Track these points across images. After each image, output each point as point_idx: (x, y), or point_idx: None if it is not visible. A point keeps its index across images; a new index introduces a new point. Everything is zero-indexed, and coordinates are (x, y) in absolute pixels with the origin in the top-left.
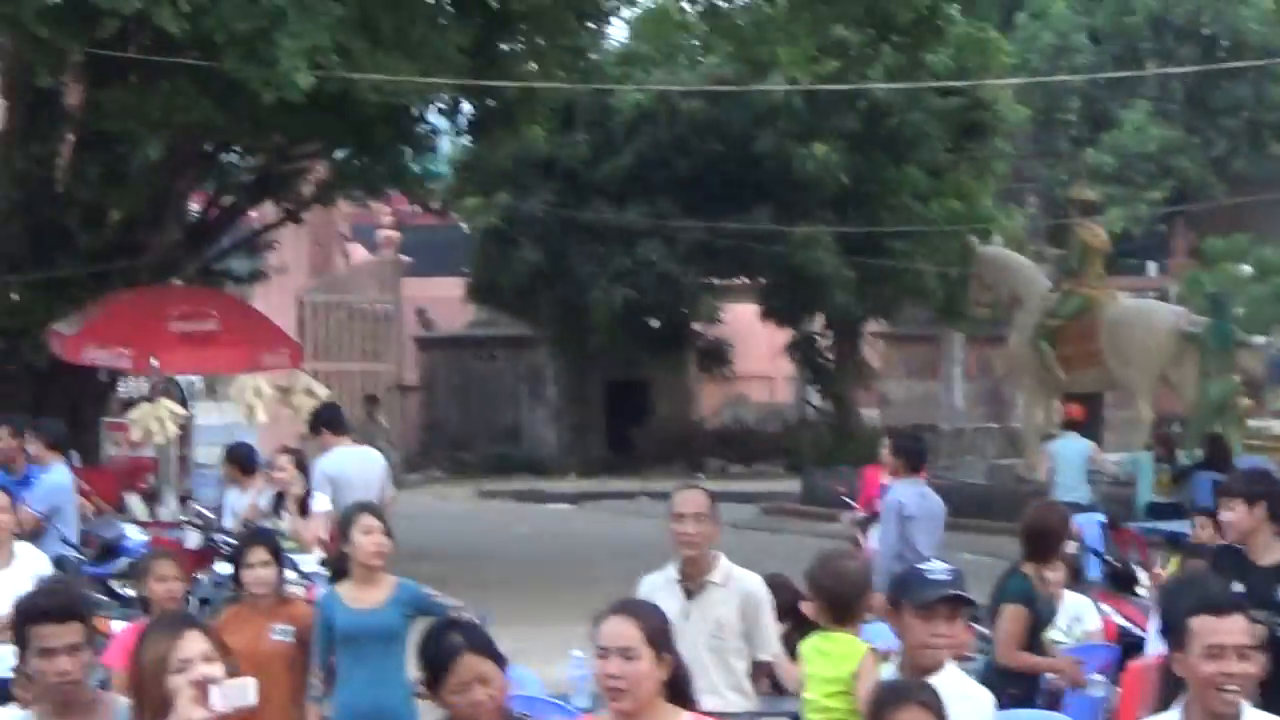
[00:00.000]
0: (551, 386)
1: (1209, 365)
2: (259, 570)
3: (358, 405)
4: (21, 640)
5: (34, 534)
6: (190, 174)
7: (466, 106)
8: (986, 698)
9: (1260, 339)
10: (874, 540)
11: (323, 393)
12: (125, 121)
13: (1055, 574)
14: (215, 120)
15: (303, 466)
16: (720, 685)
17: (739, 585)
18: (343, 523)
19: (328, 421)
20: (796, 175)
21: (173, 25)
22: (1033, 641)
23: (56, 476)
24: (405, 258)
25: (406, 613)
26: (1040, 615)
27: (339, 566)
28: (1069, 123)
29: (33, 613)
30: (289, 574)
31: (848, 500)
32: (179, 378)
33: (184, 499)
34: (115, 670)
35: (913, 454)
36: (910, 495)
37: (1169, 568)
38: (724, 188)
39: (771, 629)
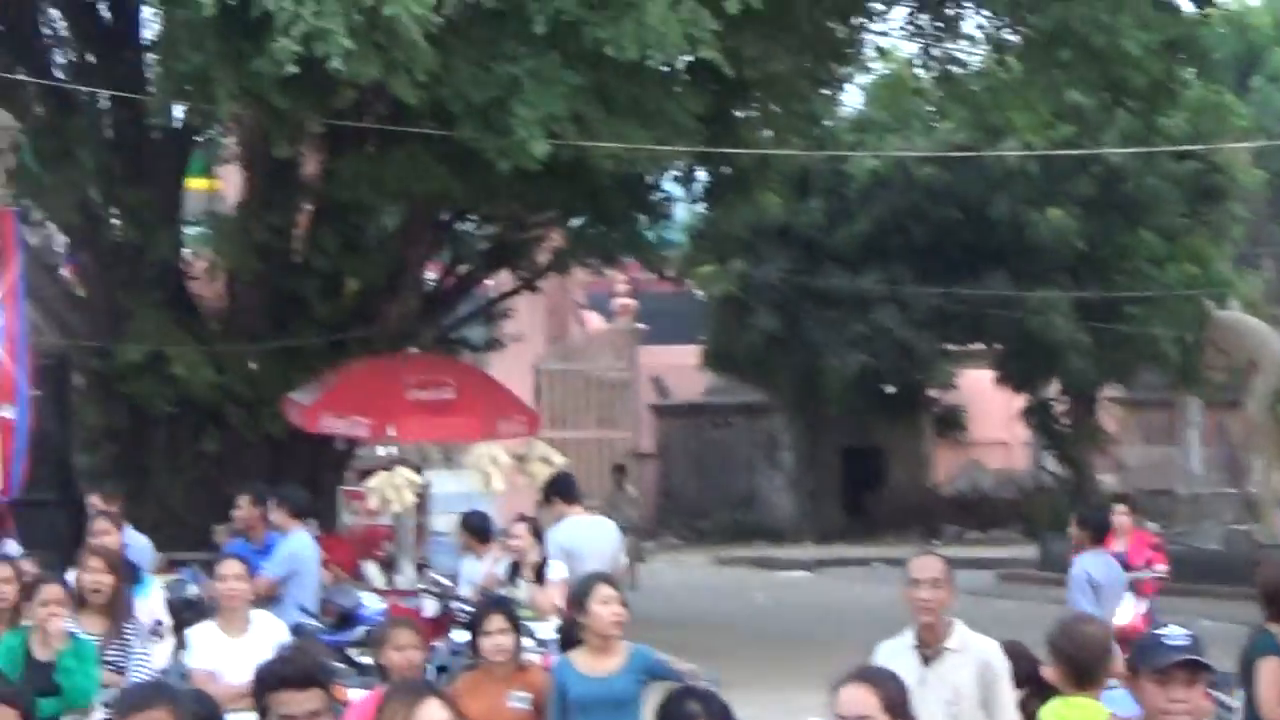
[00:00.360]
0: (787, 453)
1: None
2: (497, 638)
3: (592, 473)
4: (262, 707)
5: (270, 600)
6: (426, 243)
7: (701, 174)
8: None
9: None
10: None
11: (559, 461)
12: (362, 191)
13: None
14: (451, 189)
15: (538, 534)
16: None
17: (976, 652)
18: (579, 592)
19: (561, 490)
20: (1031, 240)
21: (409, 95)
22: None
23: (297, 543)
24: (641, 325)
25: (641, 679)
26: None
27: (569, 634)
28: None
29: (273, 680)
30: (526, 642)
31: None
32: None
33: (421, 567)
34: None
35: (1097, 526)
36: (1096, 565)
37: None
38: (959, 253)
39: (1008, 696)
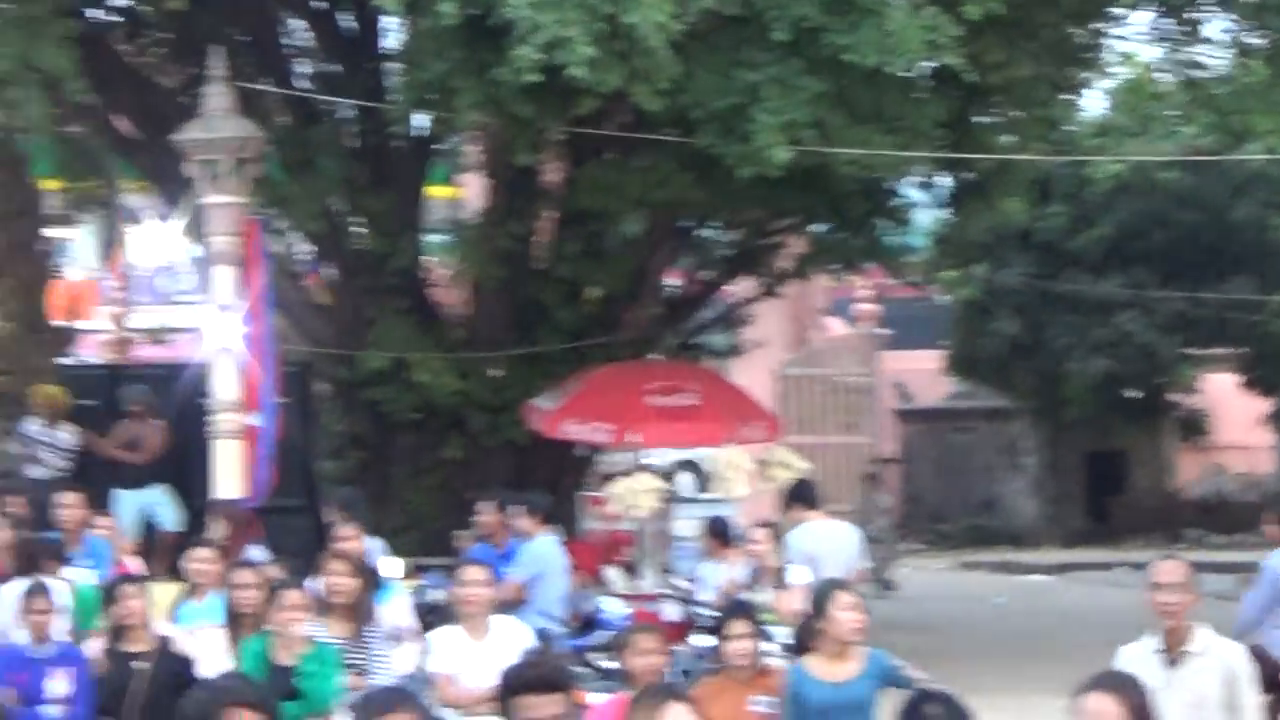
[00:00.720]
0: (1029, 457)
1: None
2: (739, 642)
3: (834, 479)
4: (506, 710)
5: (515, 604)
6: (668, 250)
7: (943, 179)
8: None
9: None
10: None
11: (800, 466)
12: (603, 199)
13: None
14: (692, 196)
15: (779, 539)
16: None
17: (1220, 656)
18: (819, 598)
19: (800, 496)
20: (1274, 244)
21: (651, 102)
22: None
23: (542, 547)
24: (883, 330)
25: (877, 684)
26: None
27: (802, 639)
28: None
29: (517, 683)
30: (767, 646)
31: None
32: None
33: (663, 572)
34: None
35: None
36: None
37: None
38: (1201, 257)
39: (1252, 700)
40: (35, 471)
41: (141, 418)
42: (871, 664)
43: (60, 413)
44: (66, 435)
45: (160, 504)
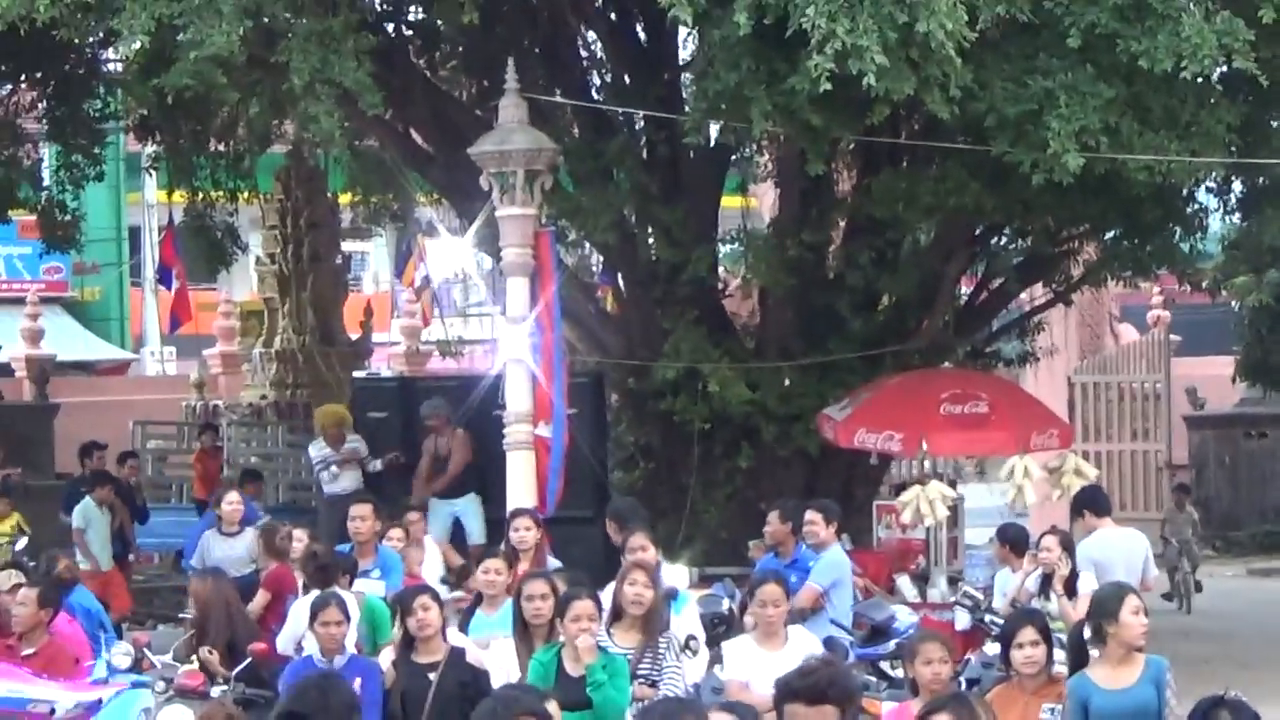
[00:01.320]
0: None
1: None
2: (1028, 650)
3: (1126, 486)
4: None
5: (808, 613)
6: (960, 257)
7: (1236, 184)
8: None
9: None
10: None
11: (1091, 474)
12: (896, 207)
13: None
14: (984, 203)
15: (1069, 547)
16: None
17: None
18: (1108, 601)
19: (1090, 503)
20: None
21: (943, 110)
22: None
23: (839, 554)
24: (1175, 336)
25: (1157, 690)
26: None
27: (1077, 647)
28: None
29: (786, 692)
30: (1057, 654)
31: None
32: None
33: (954, 580)
34: None
35: None
36: None
37: None
38: None
39: None
40: (331, 488)
41: (440, 430)
42: (1151, 668)
43: (345, 431)
44: (354, 446)
45: (468, 514)
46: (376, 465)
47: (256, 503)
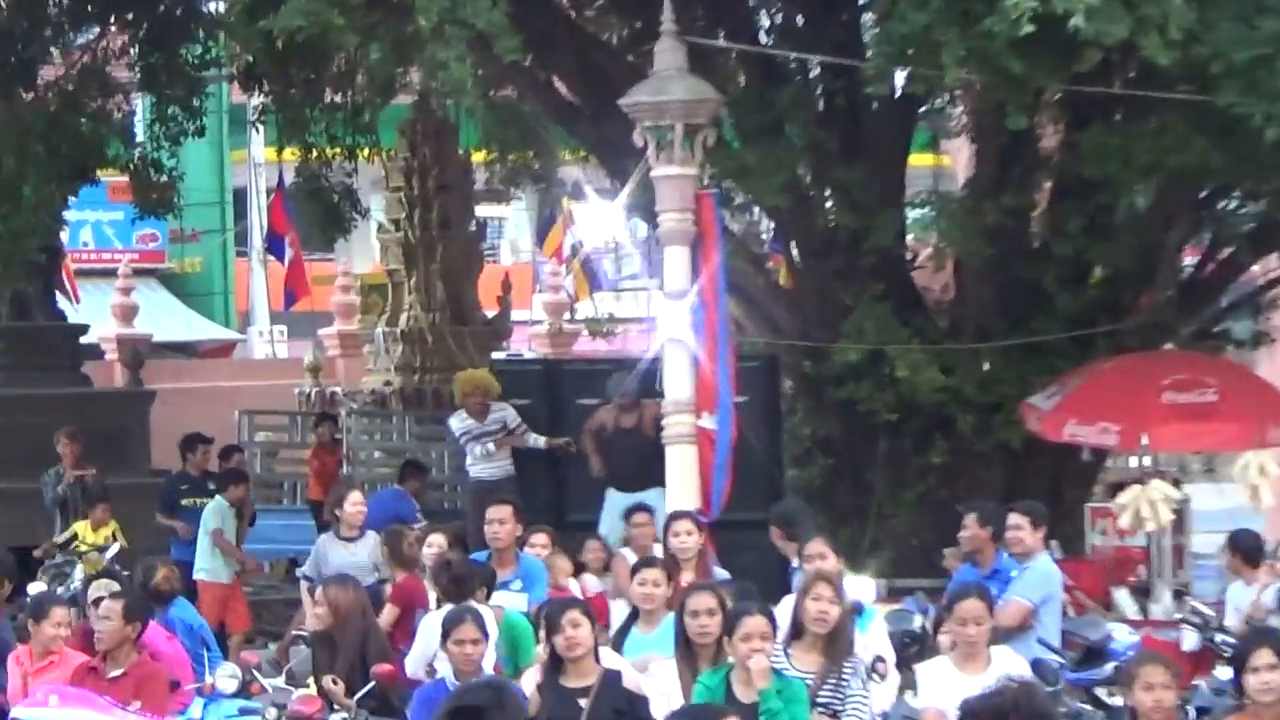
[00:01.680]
0: None
1: None
2: (1265, 674)
3: None
4: None
5: (1011, 634)
6: (1183, 224)
7: None
8: None
9: None
10: None
11: None
12: (1109, 166)
13: None
14: (1210, 162)
15: None
16: None
17: None
18: None
19: None
20: None
21: (1161, 55)
22: None
23: (1048, 564)
24: None
25: None
26: None
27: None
28: None
29: (966, 713)
30: None
31: None
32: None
33: (1179, 594)
34: None
35: None
36: None
37: None
38: None
39: None
40: (477, 471)
41: (628, 410)
42: None
43: (489, 401)
44: (500, 416)
45: (658, 509)
46: (539, 442)
47: (417, 502)
